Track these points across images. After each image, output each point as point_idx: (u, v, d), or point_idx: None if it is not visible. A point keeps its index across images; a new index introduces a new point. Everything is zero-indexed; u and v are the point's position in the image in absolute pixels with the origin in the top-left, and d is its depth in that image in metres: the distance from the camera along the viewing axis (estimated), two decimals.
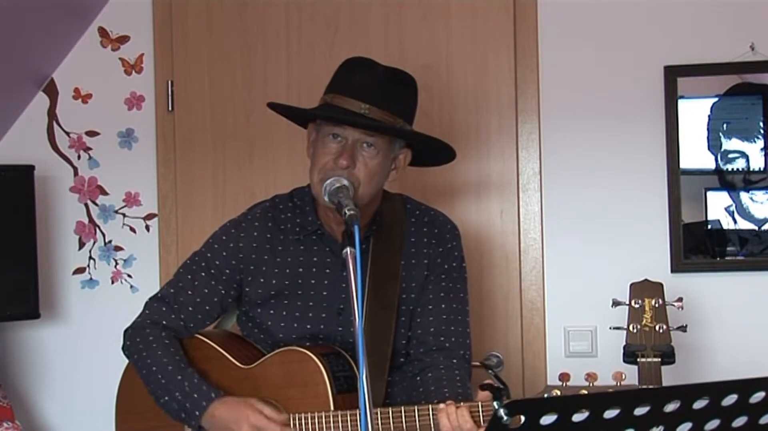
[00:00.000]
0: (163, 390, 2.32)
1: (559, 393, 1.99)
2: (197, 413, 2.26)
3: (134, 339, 2.41)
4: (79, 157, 3.42)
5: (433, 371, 2.35)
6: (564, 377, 2.02)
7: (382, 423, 2.16)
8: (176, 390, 2.30)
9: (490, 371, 2.16)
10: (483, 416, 2.08)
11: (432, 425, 2.14)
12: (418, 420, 2.15)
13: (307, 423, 2.23)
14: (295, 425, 2.25)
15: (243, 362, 2.37)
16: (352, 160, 2.27)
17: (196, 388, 2.29)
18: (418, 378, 2.37)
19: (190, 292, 2.42)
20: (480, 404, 2.09)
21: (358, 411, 2.16)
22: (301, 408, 2.25)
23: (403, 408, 2.16)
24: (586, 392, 1.97)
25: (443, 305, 2.41)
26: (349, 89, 2.32)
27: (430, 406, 2.15)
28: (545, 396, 2.01)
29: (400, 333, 2.39)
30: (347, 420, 2.20)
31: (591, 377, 2.00)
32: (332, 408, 2.22)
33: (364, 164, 2.29)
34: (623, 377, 2.01)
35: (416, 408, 2.16)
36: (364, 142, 2.29)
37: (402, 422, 2.16)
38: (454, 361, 2.38)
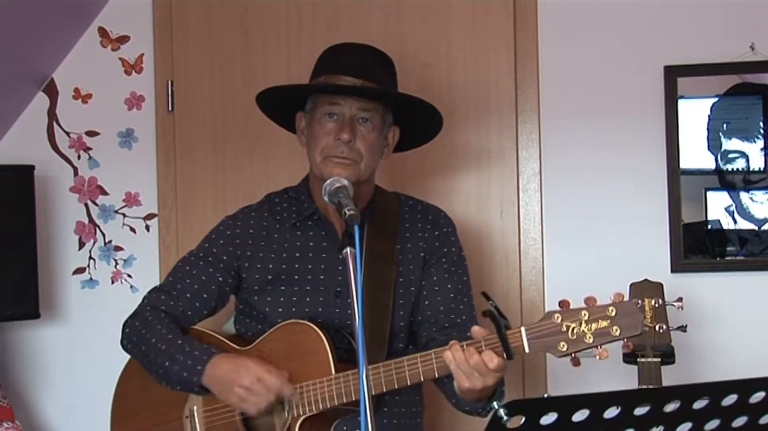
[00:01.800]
0: (164, 356, 2.33)
1: (560, 316, 2.04)
2: (199, 368, 2.28)
3: (134, 325, 2.44)
4: (79, 157, 3.42)
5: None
6: (564, 303, 2.05)
7: (384, 376, 2.17)
8: (177, 352, 2.32)
9: (490, 301, 2.17)
10: (486, 347, 2.09)
11: (435, 369, 2.14)
12: (421, 366, 2.15)
13: (309, 390, 2.24)
14: (298, 394, 2.25)
15: (242, 346, 2.40)
16: (353, 134, 2.34)
17: (197, 347, 2.32)
18: None
19: (188, 280, 2.46)
20: (483, 340, 2.10)
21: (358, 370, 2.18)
22: (303, 378, 2.26)
23: (405, 359, 2.17)
24: (586, 313, 2.02)
25: (449, 286, 2.45)
26: (339, 69, 2.40)
27: (432, 351, 2.15)
28: (544, 398, 2.01)
29: (398, 315, 2.42)
30: (350, 381, 2.20)
31: (590, 300, 2.04)
32: (333, 373, 2.23)
33: (363, 138, 2.37)
34: (622, 297, 2.04)
35: (418, 355, 2.17)
36: (360, 117, 2.37)
37: (404, 371, 2.16)
38: (468, 335, 2.39)
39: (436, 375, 2.16)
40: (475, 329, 2.13)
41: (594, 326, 2.02)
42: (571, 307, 2.05)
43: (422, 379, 2.18)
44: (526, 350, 2.06)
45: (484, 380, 2.07)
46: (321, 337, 2.26)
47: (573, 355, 2.03)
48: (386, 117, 2.44)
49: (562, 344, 2.03)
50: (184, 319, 2.44)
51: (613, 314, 2.01)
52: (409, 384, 2.18)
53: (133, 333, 2.43)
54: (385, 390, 2.18)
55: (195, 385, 2.30)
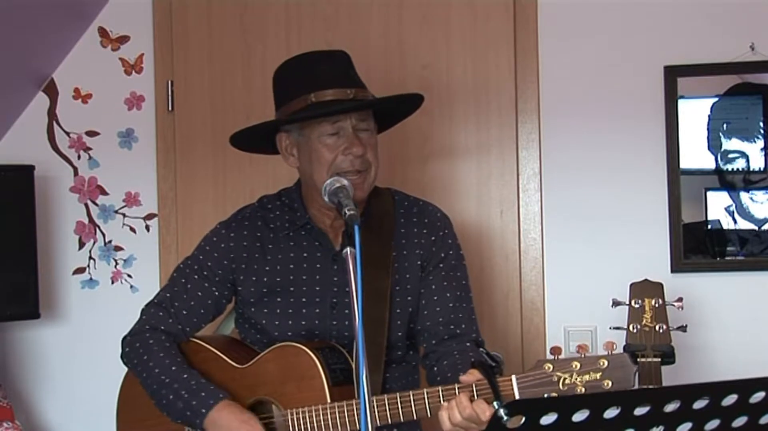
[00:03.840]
0: (167, 389, 2.32)
1: (551, 366, 2.02)
2: (203, 411, 2.26)
3: (134, 345, 2.42)
4: (79, 157, 3.42)
5: (448, 358, 2.35)
6: (555, 351, 2.04)
7: (378, 412, 2.15)
8: (182, 388, 2.30)
9: (481, 349, 2.17)
10: (477, 394, 2.08)
11: (428, 410, 2.13)
12: (414, 406, 2.14)
13: (305, 418, 2.23)
14: (293, 420, 2.25)
15: (239, 362, 2.37)
16: (364, 146, 2.31)
17: (204, 387, 2.30)
18: (435, 368, 2.37)
19: (185, 296, 2.44)
20: (474, 385, 2.09)
21: (354, 402, 2.17)
22: (298, 402, 2.25)
23: (398, 395, 2.16)
24: (578, 364, 2.00)
25: (448, 294, 2.41)
26: (325, 83, 2.33)
27: (425, 391, 2.14)
28: (544, 398, 2.01)
29: (395, 325, 2.39)
30: (344, 412, 2.20)
31: (582, 349, 2.03)
32: (329, 400, 2.22)
33: (368, 146, 2.34)
34: (614, 347, 2.03)
35: (411, 394, 2.15)
36: (360, 127, 2.33)
37: (398, 409, 2.15)
38: (467, 344, 2.38)
39: (429, 415, 2.15)
40: (464, 377, 2.11)
41: (585, 377, 2.00)
42: (563, 356, 2.03)
43: (415, 418, 2.17)
44: (517, 398, 2.06)
45: (480, 427, 2.07)
46: (315, 362, 2.25)
47: None
48: (372, 117, 2.40)
49: (553, 395, 2.01)
50: (183, 335, 2.43)
51: (605, 366, 1.99)
52: (402, 421, 2.18)
53: (134, 355, 2.41)
54: (379, 425, 2.17)
55: (197, 426, 2.30)
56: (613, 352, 2.01)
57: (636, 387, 2.12)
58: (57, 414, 3.43)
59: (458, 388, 2.09)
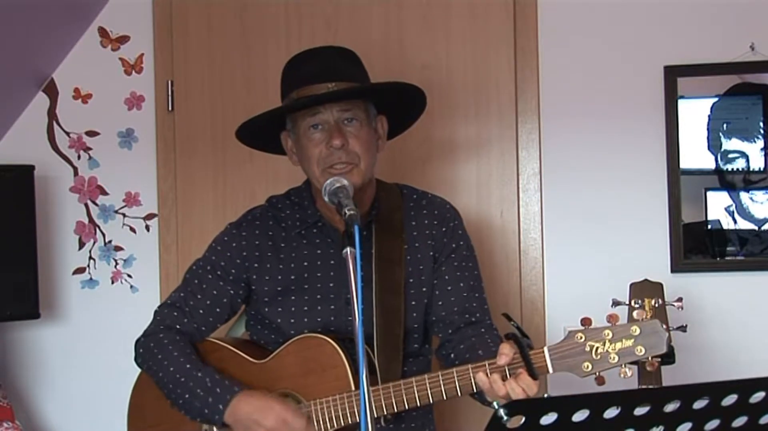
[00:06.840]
0: (183, 389, 2.31)
1: (583, 336, 2.02)
2: (221, 407, 2.26)
3: (148, 345, 2.41)
4: (79, 157, 3.42)
5: (465, 342, 2.36)
6: (586, 321, 2.04)
7: (406, 394, 2.16)
8: (197, 386, 2.30)
9: (512, 322, 2.16)
10: (509, 369, 2.08)
11: (458, 389, 2.13)
12: (443, 385, 2.14)
13: (329, 407, 2.24)
14: (317, 410, 2.25)
15: (257, 359, 2.38)
16: (344, 137, 2.31)
17: (218, 383, 2.30)
18: (452, 355, 2.38)
19: (199, 295, 2.44)
20: (507, 367, 2.08)
21: (381, 387, 2.19)
22: (321, 393, 2.25)
23: (426, 376, 2.16)
24: (610, 332, 2.00)
25: (461, 284, 2.43)
26: (307, 79, 2.35)
27: (454, 370, 2.14)
28: (544, 398, 2.01)
29: (410, 317, 2.40)
30: (371, 397, 2.20)
31: (613, 318, 2.02)
32: (353, 388, 2.22)
33: (355, 138, 2.33)
34: (645, 316, 2.03)
35: (440, 374, 2.15)
36: (344, 118, 2.33)
37: (426, 389, 2.15)
38: (482, 330, 2.40)
39: (459, 394, 2.15)
40: (502, 358, 2.10)
41: (618, 345, 1.99)
42: (594, 326, 2.03)
43: (445, 398, 2.17)
44: (550, 370, 2.05)
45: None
46: (338, 351, 2.25)
47: (597, 374, 2.02)
48: (369, 109, 2.40)
49: (586, 364, 2.01)
50: (198, 334, 2.43)
51: (637, 333, 1.99)
52: (431, 401, 2.18)
53: (148, 355, 2.40)
54: (407, 408, 2.18)
55: (216, 423, 2.30)
56: (645, 320, 2.01)
57: (636, 385, 2.12)
58: (57, 414, 3.43)
59: (488, 364, 2.09)
